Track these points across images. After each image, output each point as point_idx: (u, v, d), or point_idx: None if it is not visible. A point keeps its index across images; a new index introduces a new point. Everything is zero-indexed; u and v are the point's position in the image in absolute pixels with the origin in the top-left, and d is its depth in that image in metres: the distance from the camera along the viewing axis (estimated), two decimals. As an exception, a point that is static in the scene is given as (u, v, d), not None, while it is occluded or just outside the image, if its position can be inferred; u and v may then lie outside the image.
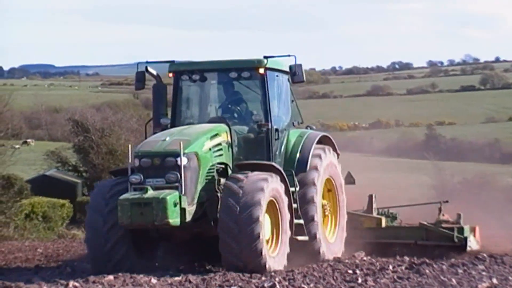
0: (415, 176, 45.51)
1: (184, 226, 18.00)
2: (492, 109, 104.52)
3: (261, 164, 18.76)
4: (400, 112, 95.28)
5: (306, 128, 21.31)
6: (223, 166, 18.92)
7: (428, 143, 68.07)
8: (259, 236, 17.55)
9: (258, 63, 19.58)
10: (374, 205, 22.63)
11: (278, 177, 18.56)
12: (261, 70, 19.53)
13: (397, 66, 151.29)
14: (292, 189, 19.29)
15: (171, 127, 19.94)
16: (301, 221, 19.37)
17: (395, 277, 17.79)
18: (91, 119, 48.30)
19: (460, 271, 18.53)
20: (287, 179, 18.96)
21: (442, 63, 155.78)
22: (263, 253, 17.68)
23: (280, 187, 18.53)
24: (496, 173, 43.16)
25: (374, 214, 22.60)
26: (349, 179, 22.38)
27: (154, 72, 20.02)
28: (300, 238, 19.25)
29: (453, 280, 17.28)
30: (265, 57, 19.63)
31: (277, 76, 20.30)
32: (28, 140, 66.31)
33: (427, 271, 18.28)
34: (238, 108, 20.40)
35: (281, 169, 18.96)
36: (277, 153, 19.83)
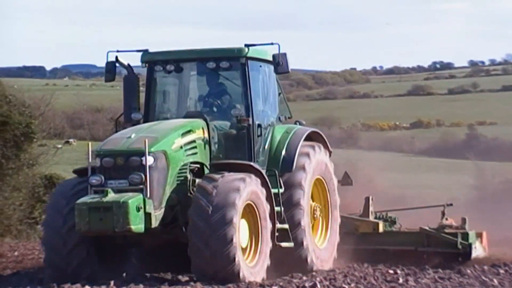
0: (457, 176, 44.71)
1: (151, 232, 16.67)
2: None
3: (239, 164, 17.37)
4: (441, 112, 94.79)
5: (295, 123, 19.90)
6: (198, 165, 17.51)
7: (469, 143, 67.54)
8: (232, 239, 16.11)
9: (238, 52, 18.21)
10: (371, 208, 21.24)
11: (258, 179, 17.18)
12: (242, 60, 18.15)
13: (438, 65, 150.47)
14: (275, 190, 17.88)
15: (144, 122, 18.68)
16: (286, 226, 17.95)
17: (436, 277, 17.48)
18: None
19: (501, 271, 18.33)
20: (268, 182, 17.54)
21: (483, 62, 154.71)
22: (236, 259, 16.23)
23: (260, 191, 17.12)
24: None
25: (371, 218, 21.23)
26: (346, 180, 21.13)
27: (125, 63, 18.65)
28: (284, 244, 17.82)
29: (495, 280, 17.04)
30: (246, 45, 18.24)
31: (260, 66, 18.79)
32: (70, 140, 66.82)
33: (468, 271, 18.05)
34: (218, 101, 18.85)
35: (261, 169, 17.56)
36: (260, 150, 18.50)
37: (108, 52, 18.25)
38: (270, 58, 18.15)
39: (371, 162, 48.48)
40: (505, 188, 35.73)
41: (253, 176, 16.93)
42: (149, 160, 16.23)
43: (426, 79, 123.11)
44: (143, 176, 16.19)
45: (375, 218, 21.19)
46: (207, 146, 17.85)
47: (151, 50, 18.64)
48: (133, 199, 15.87)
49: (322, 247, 19.29)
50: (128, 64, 18.55)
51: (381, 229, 20.70)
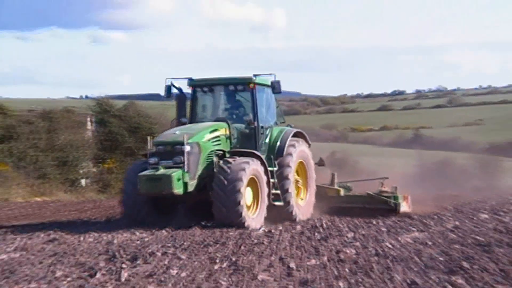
0: (406, 159, 42.30)
1: (190, 194, 16.84)
2: None
3: (246, 152, 17.64)
4: (397, 120, 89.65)
5: (287, 126, 19.73)
6: (221, 152, 17.57)
7: (414, 140, 64.26)
8: (240, 202, 16.32)
9: (248, 80, 18.29)
10: (335, 180, 20.93)
11: (258, 161, 17.39)
12: (251, 85, 18.22)
13: (395, 93, 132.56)
14: (271, 168, 18.00)
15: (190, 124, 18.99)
16: (278, 191, 18.06)
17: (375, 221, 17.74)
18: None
19: (414, 218, 18.08)
20: (265, 162, 17.72)
21: (422, 90, 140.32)
22: (243, 215, 16.39)
23: (260, 168, 17.32)
24: None
25: (335, 186, 20.81)
26: (320, 162, 21.00)
27: (178, 86, 18.86)
28: (276, 203, 17.98)
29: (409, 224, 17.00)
30: (254, 75, 18.38)
31: (263, 89, 18.78)
32: None
33: (393, 218, 18.20)
34: (237, 111, 18.92)
35: (261, 155, 17.73)
36: (263, 143, 18.50)
37: (166, 79, 18.75)
38: (269, 84, 18.44)
39: (355, 150, 51.82)
40: (435, 167, 35.14)
41: (254, 159, 17.28)
42: (188, 148, 16.69)
43: (388, 101, 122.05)
44: (183, 158, 16.64)
45: (338, 186, 20.91)
46: (228, 140, 18.07)
47: (194, 78, 18.99)
48: (176, 173, 16.38)
49: (302, 204, 19.25)
50: (180, 88, 18.90)
51: (341, 193, 20.62)
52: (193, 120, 18.79)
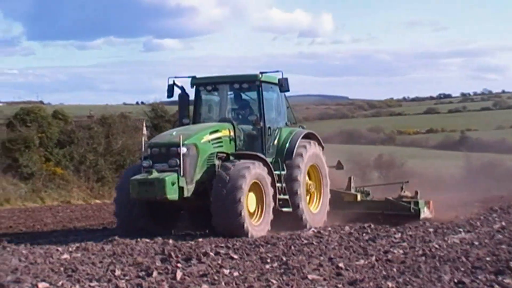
0: (453, 161, 43.39)
1: (188, 200, 15.44)
2: None
3: (249, 154, 16.17)
4: (444, 123, 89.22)
5: (299, 127, 18.22)
6: (224, 154, 16.11)
7: (461, 142, 63.88)
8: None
9: (254, 77, 16.77)
10: (352, 184, 19.40)
11: (262, 164, 15.86)
12: (257, 83, 16.69)
13: (442, 96, 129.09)
14: (279, 172, 16.54)
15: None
16: (286, 197, 16.50)
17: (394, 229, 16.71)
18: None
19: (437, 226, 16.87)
20: (270, 165, 16.19)
21: (470, 93, 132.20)
22: (242, 215, 14.96)
23: (263, 172, 15.78)
24: None
25: (352, 191, 19.21)
26: (339, 166, 19.80)
27: (179, 84, 17.30)
28: (284, 209, 16.45)
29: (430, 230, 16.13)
30: (261, 72, 16.79)
31: (271, 87, 17.22)
32: None
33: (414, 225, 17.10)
34: (244, 111, 17.33)
35: (264, 157, 16.22)
36: (270, 145, 17.00)
37: (168, 78, 17.20)
38: (276, 81, 16.87)
39: (402, 153, 51.60)
40: (482, 169, 35.95)
41: (257, 163, 15.77)
42: (183, 150, 15.17)
43: (435, 104, 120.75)
44: (178, 160, 15.13)
45: (355, 191, 19.34)
46: (232, 142, 16.51)
47: (197, 76, 17.42)
48: (169, 177, 14.90)
49: (315, 211, 17.63)
50: (182, 86, 17.37)
51: (359, 198, 18.95)
52: (197, 121, 17.37)
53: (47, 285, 9.86)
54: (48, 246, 13.62)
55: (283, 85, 16.67)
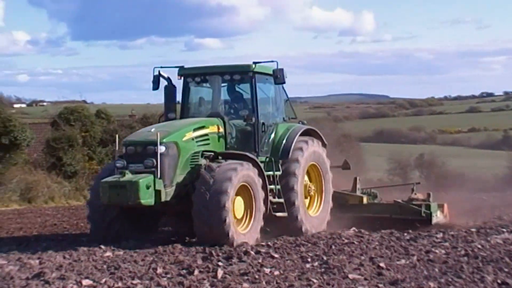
0: (496, 161, 43.28)
1: (168, 205, 13.85)
2: None
3: (238, 154, 14.61)
4: (486, 122, 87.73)
5: (299, 123, 16.59)
6: (211, 153, 14.49)
7: (504, 141, 63.17)
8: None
9: (247, 67, 15.28)
10: (358, 186, 17.77)
11: (251, 165, 14.25)
12: (250, 74, 15.19)
13: (484, 94, 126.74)
14: (271, 173, 15.00)
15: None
16: (281, 200, 14.99)
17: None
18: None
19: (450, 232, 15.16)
20: (261, 166, 14.60)
21: None
22: (227, 220, 13.32)
23: (253, 173, 14.18)
24: None
25: (358, 193, 17.58)
26: (345, 165, 18.06)
27: (166, 75, 15.72)
28: (278, 214, 14.94)
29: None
30: (254, 62, 15.29)
31: (266, 79, 15.67)
32: None
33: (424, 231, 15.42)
34: (236, 105, 15.82)
35: (254, 157, 14.63)
36: (264, 143, 15.45)
37: (154, 68, 15.63)
38: (271, 72, 15.37)
39: (443, 152, 51.19)
40: None
41: (245, 162, 14.16)
42: (161, 149, 13.62)
43: (477, 102, 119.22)
44: (154, 161, 13.54)
45: (362, 193, 17.73)
46: (221, 139, 15.02)
47: (186, 66, 15.95)
48: (143, 179, 13.27)
49: (314, 215, 16.09)
50: (168, 77, 15.78)
51: (365, 201, 17.28)
52: (184, 115, 15.89)
53: (91, 282, 9.97)
54: (91, 244, 13.63)
55: (278, 76, 15.19)
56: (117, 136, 15.48)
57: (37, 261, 11.75)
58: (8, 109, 39.81)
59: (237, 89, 15.93)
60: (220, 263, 11.45)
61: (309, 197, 16.26)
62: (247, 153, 14.71)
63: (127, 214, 14.29)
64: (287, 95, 16.54)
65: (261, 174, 14.55)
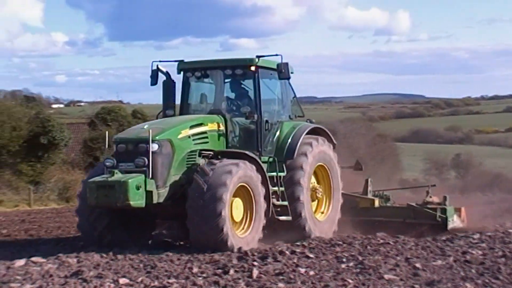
0: None
1: (162, 207, 12.96)
2: None
3: (236, 152, 13.72)
4: None
5: (307, 121, 15.60)
6: (210, 152, 13.58)
7: None
8: (221, 213, 12.38)
9: (249, 61, 14.31)
10: (370, 188, 16.76)
11: (253, 165, 13.39)
12: (252, 68, 14.22)
13: None
14: (274, 174, 14.12)
15: None
16: (285, 203, 14.07)
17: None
18: (336, 127, 45.33)
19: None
20: (261, 163, 13.70)
21: None
22: (225, 230, 12.42)
23: (252, 172, 13.26)
24: None
25: (369, 195, 16.63)
26: (357, 166, 17.38)
27: (164, 70, 14.87)
28: (282, 218, 14.03)
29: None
30: (257, 56, 14.33)
31: (271, 74, 14.69)
32: None
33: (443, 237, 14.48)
34: (239, 102, 14.75)
35: (253, 155, 13.70)
36: (268, 142, 14.53)
37: (152, 62, 14.78)
38: (275, 67, 14.39)
39: (480, 152, 50.70)
40: None
41: (243, 163, 13.16)
42: (153, 147, 12.70)
43: None
44: (146, 159, 12.60)
45: (373, 195, 16.76)
46: (222, 137, 14.09)
47: (186, 60, 15.09)
48: (133, 179, 12.34)
49: (322, 219, 15.15)
50: (167, 72, 14.94)
51: (376, 204, 16.35)
52: (184, 112, 15.01)
53: (127, 281, 10.04)
54: (127, 243, 13.41)
55: (283, 71, 14.12)
56: (106, 133, 14.49)
57: (75, 260, 11.81)
58: (46, 109, 40.63)
59: (241, 85, 14.98)
60: (255, 263, 11.43)
61: (316, 200, 15.34)
62: (246, 152, 13.78)
63: (119, 221, 13.45)
64: (294, 92, 15.54)
65: (261, 172, 13.62)
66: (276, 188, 14.11)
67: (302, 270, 10.69)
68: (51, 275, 10.43)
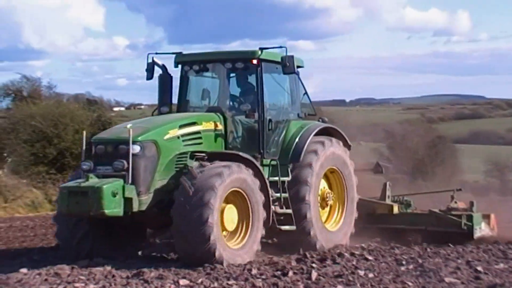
0: None
1: (147, 215, 11.59)
2: None
3: (230, 154, 12.25)
4: None
5: (318, 120, 14.22)
6: (203, 154, 12.05)
7: None
8: (207, 220, 10.95)
9: (252, 54, 12.90)
10: (388, 193, 15.33)
11: (249, 168, 11.91)
12: (255, 61, 12.82)
13: None
14: (276, 178, 12.70)
15: None
16: (289, 211, 12.64)
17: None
18: (395, 128, 46.16)
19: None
20: (258, 166, 12.21)
21: None
22: (212, 239, 11.00)
23: (247, 176, 11.78)
24: None
25: (388, 201, 15.24)
26: (377, 169, 16.01)
27: (160, 63, 13.56)
28: (284, 228, 12.60)
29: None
30: (261, 48, 12.94)
31: (276, 68, 13.21)
32: (361, 142, 63.80)
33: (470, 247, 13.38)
34: (241, 99, 13.38)
35: (250, 158, 12.18)
36: (272, 142, 13.17)
37: (148, 54, 13.51)
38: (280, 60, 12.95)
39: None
40: None
41: (242, 165, 11.79)
42: (135, 149, 11.36)
43: None
44: (125, 163, 11.23)
45: (392, 201, 15.37)
46: (219, 138, 12.70)
47: (184, 53, 13.76)
48: (108, 185, 10.99)
49: (333, 229, 13.71)
50: (163, 65, 13.61)
51: (395, 210, 15.01)
52: (181, 110, 13.64)
53: (188, 282, 10.12)
54: (110, 253, 12.15)
55: (287, 64, 12.73)
56: (83, 132, 12.60)
57: (136, 261, 11.90)
58: (108, 112, 41.06)
59: (247, 80, 13.52)
60: (314, 265, 11.42)
61: (328, 207, 13.88)
62: (240, 153, 12.26)
63: (102, 229, 12.11)
64: (305, 88, 14.12)
65: (259, 176, 12.14)
66: (278, 195, 12.66)
67: (361, 273, 10.64)
68: (113, 276, 10.58)
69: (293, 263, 11.64)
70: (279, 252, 12.66)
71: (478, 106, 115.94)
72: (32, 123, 30.23)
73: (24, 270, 10.96)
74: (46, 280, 10.40)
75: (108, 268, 11.18)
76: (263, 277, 10.56)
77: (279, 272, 10.84)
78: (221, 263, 11.16)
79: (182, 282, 10.09)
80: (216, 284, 10.03)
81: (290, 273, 10.68)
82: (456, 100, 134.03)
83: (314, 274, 10.51)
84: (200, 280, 10.21)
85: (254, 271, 10.91)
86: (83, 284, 10.11)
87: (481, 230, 14.42)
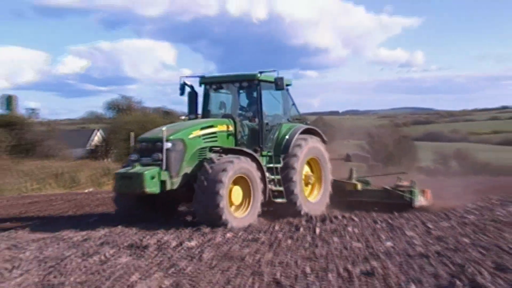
0: None
1: (177, 193, 11.30)
2: None
3: (234, 149, 11.89)
4: None
5: (303, 123, 13.61)
6: (219, 148, 11.80)
7: None
8: (219, 205, 10.70)
9: (252, 76, 12.50)
10: (354, 175, 14.60)
11: (249, 159, 11.59)
12: (255, 82, 12.47)
13: None
14: (271, 165, 12.33)
15: None
16: (281, 188, 12.25)
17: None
18: (373, 130, 43.32)
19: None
20: (259, 159, 11.84)
21: None
22: (223, 217, 10.74)
23: (250, 165, 11.47)
24: None
25: (353, 181, 14.47)
26: (347, 158, 14.48)
27: (189, 83, 13.18)
28: (277, 200, 12.26)
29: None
30: (260, 72, 12.48)
31: (271, 86, 12.70)
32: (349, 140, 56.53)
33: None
34: (249, 108, 12.97)
35: (251, 152, 11.85)
36: (269, 140, 12.73)
37: (180, 77, 13.08)
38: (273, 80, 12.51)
39: (474, 148, 48.75)
40: None
41: (243, 157, 11.49)
42: (167, 145, 11.15)
43: (498, 113, 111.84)
44: (161, 155, 11.08)
45: (357, 181, 14.54)
46: (230, 136, 12.31)
47: (206, 76, 13.17)
48: (148, 171, 10.82)
49: (313, 201, 13.10)
50: (191, 85, 13.19)
51: (359, 188, 14.28)
52: (205, 116, 13.12)
53: (232, 234, 9.96)
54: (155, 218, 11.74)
55: (278, 83, 12.32)
56: (132, 134, 12.08)
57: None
58: (177, 119, 41.09)
59: (246, 94, 13.10)
60: (317, 224, 11.30)
61: (310, 185, 13.30)
62: (244, 149, 11.91)
63: (148, 200, 11.75)
64: (292, 100, 13.45)
65: (259, 168, 11.76)
66: (273, 176, 12.30)
67: (350, 229, 10.56)
68: (177, 228, 10.46)
69: (303, 223, 11.49)
70: (274, 218, 12.01)
71: (429, 115, 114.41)
72: (127, 127, 30.85)
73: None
74: (136, 234, 10.31)
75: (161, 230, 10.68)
76: (283, 231, 10.51)
77: (293, 228, 10.79)
78: (225, 225, 10.74)
79: (229, 234, 10.02)
80: (251, 236, 9.97)
81: (301, 229, 10.62)
82: (415, 111, 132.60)
83: (317, 230, 10.45)
84: (240, 233, 10.14)
85: (276, 227, 10.86)
86: (162, 235, 9.96)
87: (420, 201, 13.68)
